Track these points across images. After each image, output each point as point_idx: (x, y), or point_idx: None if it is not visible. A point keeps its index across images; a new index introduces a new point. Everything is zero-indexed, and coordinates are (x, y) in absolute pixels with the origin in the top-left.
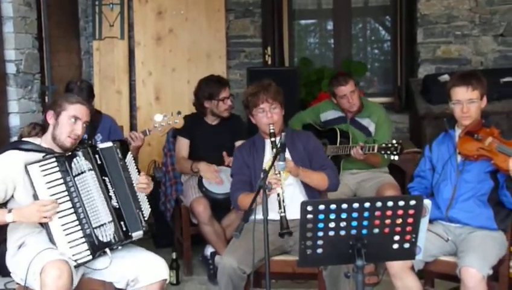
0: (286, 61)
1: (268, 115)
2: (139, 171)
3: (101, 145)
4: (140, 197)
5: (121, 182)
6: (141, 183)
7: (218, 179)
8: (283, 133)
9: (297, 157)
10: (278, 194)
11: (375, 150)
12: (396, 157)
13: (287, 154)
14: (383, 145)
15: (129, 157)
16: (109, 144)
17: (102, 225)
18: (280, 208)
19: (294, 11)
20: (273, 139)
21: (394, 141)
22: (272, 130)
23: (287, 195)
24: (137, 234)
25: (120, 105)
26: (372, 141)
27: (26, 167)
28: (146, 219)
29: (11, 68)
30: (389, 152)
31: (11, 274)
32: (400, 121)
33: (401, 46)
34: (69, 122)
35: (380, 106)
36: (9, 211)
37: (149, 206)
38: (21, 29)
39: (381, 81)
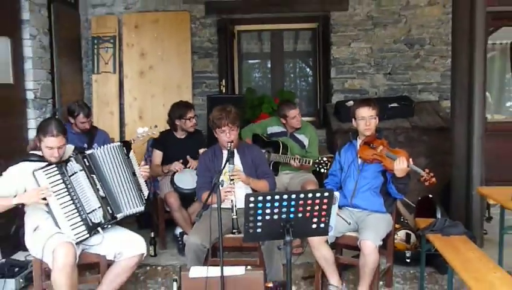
0: (236, 90)
1: (227, 135)
2: (138, 164)
3: (87, 152)
4: (142, 182)
5: (116, 175)
6: (143, 171)
7: (180, 168)
8: (232, 144)
9: (246, 166)
10: (232, 201)
11: (310, 164)
12: (325, 170)
13: (239, 165)
14: (317, 160)
15: (131, 154)
16: (111, 145)
17: (93, 210)
18: (232, 212)
19: (242, 54)
20: (228, 152)
21: (325, 159)
22: (229, 147)
23: (238, 191)
24: (134, 210)
25: (112, 122)
26: (305, 152)
27: (33, 173)
28: (146, 197)
29: (30, 95)
30: (321, 166)
31: (28, 249)
32: (319, 134)
33: (319, 80)
34: (46, 150)
35: (312, 125)
36: (14, 197)
37: (147, 188)
38: (38, 66)
39: (306, 105)
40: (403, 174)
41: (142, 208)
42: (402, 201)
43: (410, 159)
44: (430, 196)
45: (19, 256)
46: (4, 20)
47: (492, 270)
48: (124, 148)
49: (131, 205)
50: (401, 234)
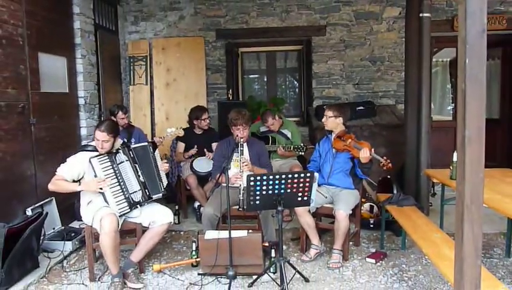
0: (240, 97)
1: (240, 132)
2: (161, 159)
3: (133, 145)
4: (162, 174)
5: (148, 166)
6: (164, 166)
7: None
8: (243, 139)
9: (253, 155)
10: (240, 184)
11: (292, 149)
12: (303, 153)
13: (246, 154)
14: (296, 146)
15: (156, 151)
16: (142, 144)
17: (134, 191)
18: (240, 194)
19: (244, 70)
20: (239, 144)
21: (302, 144)
22: (240, 141)
23: (245, 177)
24: (156, 196)
25: (145, 123)
26: (290, 143)
27: (90, 160)
28: (164, 186)
29: (81, 101)
30: (299, 150)
31: (82, 219)
32: (303, 131)
33: (303, 89)
34: (95, 141)
35: (293, 122)
36: (79, 183)
37: (166, 179)
38: (87, 79)
39: (293, 108)
40: (367, 161)
41: (160, 195)
42: (367, 181)
43: (373, 149)
44: (389, 176)
45: (75, 225)
46: (62, 44)
47: (435, 232)
48: (151, 147)
49: (159, 190)
50: (366, 206)
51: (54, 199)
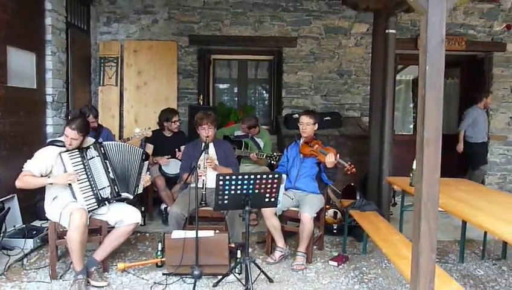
0: (211, 103)
1: (206, 132)
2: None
3: (104, 143)
4: (141, 183)
5: (123, 166)
6: (146, 178)
7: (167, 162)
8: (208, 138)
9: (219, 155)
10: (203, 180)
11: (264, 157)
12: (274, 162)
13: (213, 154)
14: (269, 154)
15: (146, 162)
16: (138, 149)
17: (103, 187)
18: (202, 188)
19: (216, 76)
20: (205, 144)
21: (275, 154)
22: (206, 140)
23: (209, 175)
24: (125, 195)
25: (114, 124)
26: (261, 152)
27: (60, 154)
28: (138, 192)
29: (49, 98)
30: (272, 159)
31: (46, 215)
32: (273, 138)
33: (274, 98)
34: (64, 137)
35: (268, 133)
36: (48, 177)
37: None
38: (56, 76)
39: (263, 116)
40: (332, 166)
41: (131, 197)
42: (331, 188)
43: (338, 155)
44: (352, 184)
45: (36, 223)
46: (32, 39)
47: (395, 235)
48: (144, 155)
49: (130, 191)
50: (330, 212)
51: (15, 196)
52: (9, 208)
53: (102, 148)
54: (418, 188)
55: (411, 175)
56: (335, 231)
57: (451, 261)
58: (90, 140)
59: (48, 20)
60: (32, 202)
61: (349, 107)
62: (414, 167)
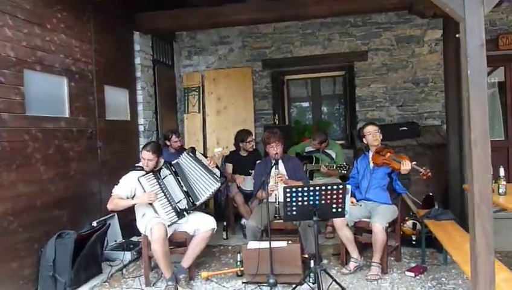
0: (286, 122)
1: (274, 149)
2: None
3: (173, 162)
4: (211, 168)
5: (190, 175)
6: (210, 162)
7: (242, 180)
8: (277, 155)
9: (288, 170)
10: (275, 195)
11: (335, 168)
12: (345, 172)
13: (283, 169)
14: (339, 165)
15: (197, 153)
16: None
17: (179, 200)
18: (275, 201)
19: (290, 96)
20: (275, 160)
21: (345, 164)
22: (275, 157)
23: (280, 190)
24: (203, 199)
25: (198, 147)
26: (333, 163)
27: (138, 179)
28: (219, 176)
29: (141, 128)
30: (342, 169)
31: (139, 230)
32: (348, 153)
33: (348, 113)
34: (142, 160)
35: (338, 144)
36: (132, 198)
37: (218, 170)
38: (146, 108)
39: (339, 131)
40: (407, 172)
41: (218, 185)
42: (411, 199)
43: (414, 162)
44: (431, 194)
45: (134, 238)
46: (124, 77)
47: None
48: (191, 152)
49: (207, 190)
50: (409, 223)
51: (116, 215)
52: (109, 224)
53: (172, 167)
54: (470, 189)
55: (496, 182)
56: (414, 242)
57: None
58: (161, 161)
59: (137, 59)
60: (130, 219)
61: (428, 116)
62: (501, 174)
